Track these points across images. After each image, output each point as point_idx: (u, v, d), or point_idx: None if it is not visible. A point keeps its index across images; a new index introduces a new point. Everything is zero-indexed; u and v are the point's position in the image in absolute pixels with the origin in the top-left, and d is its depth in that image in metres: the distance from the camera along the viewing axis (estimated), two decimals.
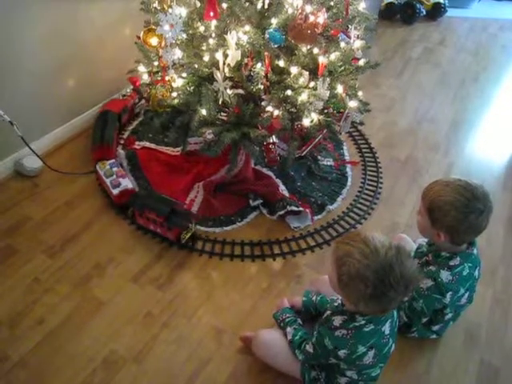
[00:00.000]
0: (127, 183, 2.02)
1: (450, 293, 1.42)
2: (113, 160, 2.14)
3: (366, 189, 2.21)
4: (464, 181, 1.35)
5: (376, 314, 1.18)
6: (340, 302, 1.31)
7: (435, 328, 1.55)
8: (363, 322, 1.18)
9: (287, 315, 1.48)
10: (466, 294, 1.47)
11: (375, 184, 2.24)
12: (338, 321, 1.22)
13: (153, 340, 1.56)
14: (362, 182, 2.24)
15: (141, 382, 1.46)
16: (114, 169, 2.08)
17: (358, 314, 1.19)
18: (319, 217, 2.04)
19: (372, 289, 1.09)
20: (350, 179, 2.25)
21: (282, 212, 1.95)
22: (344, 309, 1.25)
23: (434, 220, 1.38)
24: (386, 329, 1.22)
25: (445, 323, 1.54)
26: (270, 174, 2.15)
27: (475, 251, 1.46)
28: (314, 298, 1.53)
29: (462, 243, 1.42)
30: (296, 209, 1.95)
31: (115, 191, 1.99)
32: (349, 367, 1.25)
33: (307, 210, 1.97)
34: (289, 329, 1.42)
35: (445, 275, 1.41)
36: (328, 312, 1.29)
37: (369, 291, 1.09)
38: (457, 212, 1.32)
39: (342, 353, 1.20)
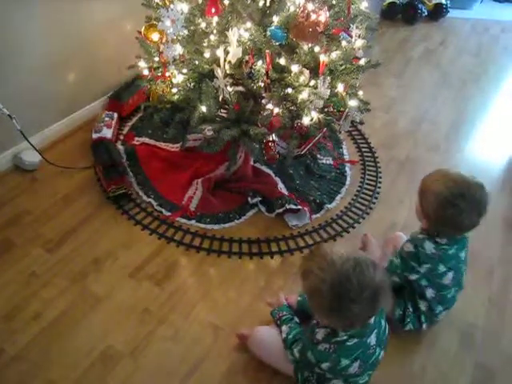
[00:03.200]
0: (107, 133, 2.25)
1: (428, 265, 1.43)
2: (112, 112, 2.37)
3: (365, 188, 2.21)
4: (461, 176, 1.36)
5: (351, 329, 1.16)
6: None
7: (423, 307, 1.53)
8: (345, 337, 1.17)
9: (284, 313, 1.48)
10: (450, 274, 1.46)
11: (374, 183, 2.24)
12: (320, 334, 1.21)
13: (149, 336, 1.56)
14: (360, 182, 2.24)
15: (137, 377, 1.46)
16: (106, 119, 2.31)
17: (341, 329, 1.17)
18: (318, 215, 2.04)
19: (329, 302, 1.07)
20: (348, 178, 2.26)
21: (280, 210, 1.95)
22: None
23: (421, 204, 1.43)
24: (372, 340, 1.20)
25: (430, 304, 1.52)
26: (269, 171, 2.15)
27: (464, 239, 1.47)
28: None
29: (444, 236, 1.42)
30: (294, 207, 1.95)
31: (94, 135, 2.24)
32: (334, 376, 1.25)
33: (306, 209, 1.97)
34: (284, 327, 1.43)
35: (428, 246, 1.42)
36: (313, 321, 1.28)
37: (326, 305, 1.09)
38: (437, 204, 1.35)
39: (325, 365, 1.20)
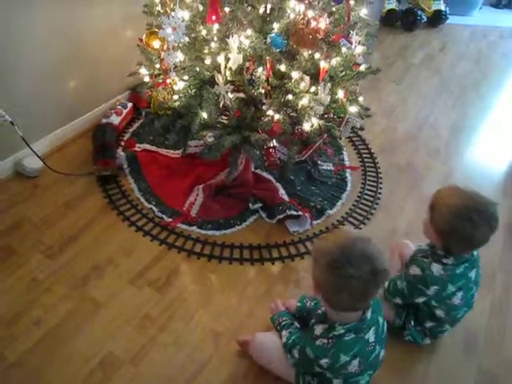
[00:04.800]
0: (115, 119, 2.34)
1: (436, 287, 1.42)
2: (126, 102, 2.47)
3: (366, 194, 2.21)
4: (474, 193, 1.35)
5: (349, 311, 1.17)
6: (323, 310, 1.29)
7: (428, 325, 1.52)
8: (342, 331, 1.18)
9: (284, 318, 1.48)
10: (459, 294, 1.45)
11: (375, 189, 2.24)
12: (318, 330, 1.22)
13: (150, 342, 1.56)
14: (361, 187, 2.25)
15: None
16: (118, 107, 2.41)
17: (338, 323, 1.18)
18: (318, 221, 2.04)
19: (328, 262, 1.10)
20: (349, 184, 2.26)
21: (281, 216, 1.96)
22: (326, 317, 1.24)
23: (432, 219, 1.41)
24: (371, 336, 1.21)
25: (438, 323, 1.52)
26: (270, 177, 2.15)
27: (475, 253, 1.46)
28: (308, 304, 1.54)
29: (454, 252, 1.41)
30: (295, 213, 1.95)
31: (102, 120, 2.34)
32: (334, 375, 1.24)
33: (306, 215, 1.97)
34: (284, 332, 1.43)
35: (436, 268, 1.41)
36: (312, 320, 1.29)
37: (326, 265, 1.11)
38: (451, 216, 1.33)
39: (323, 362, 1.20)
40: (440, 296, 1.44)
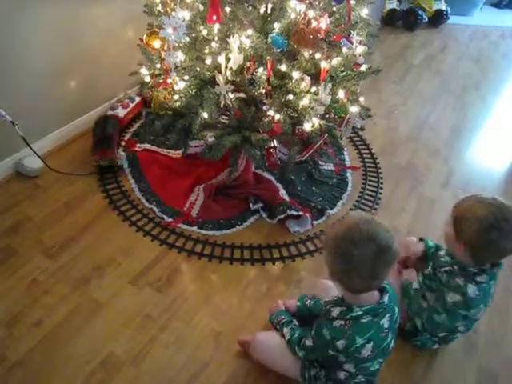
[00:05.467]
0: (120, 112, 2.38)
1: (474, 310, 1.41)
2: (134, 96, 2.51)
3: (366, 194, 2.21)
4: (499, 201, 1.34)
5: (365, 291, 1.18)
6: (340, 295, 1.30)
7: (441, 335, 1.52)
8: (360, 312, 1.19)
9: (282, 317, 1.49)
10: (483, 310, 1.45)
11: (375, 189, 2.24)
12: (336, 311, 1.24)
13: (151, 342, 1.56)
14: (362, 188, 2.25)
15: None
16: (126, 100, 2.46)
17: (356, 305, 1.20)
18: (319, 221, 2.04)
19: (336, 245, 1.14)
20: (350, 184, 2.26)
21: (282, 216, 1.96)
22: (343, 300, 1.25)
23: (458, 231, 1.38)
24: (385, 322, 1.22)
25: (452, 334, 1.52)
26: (271, 177, 2.15)
27: (498, 271, 1.44)
28: (308, 303, 1.54)
29: (482, 263, 1.39)
30: (296, 213, 1.95)
31: (108, 112, 2.39)
32: (347, 360, 1.25)
33: (307, 215, 1.97)
34: (285, 329, 1.43)
35: (472, 290, 1.39)
36: (328, 306, 1.30)
37: (334, 247, 1.15)
38: (481, 227, 1.31)
39: (340, 343, 1.20)
40: (473, 317, 1.44)
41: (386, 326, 1.22)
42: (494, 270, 1.42)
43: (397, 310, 1.27)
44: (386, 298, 1.21)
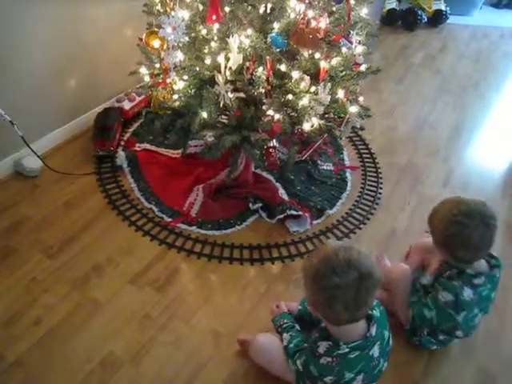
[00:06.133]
0: (125, 105, 2.43)
1: (465, 312, 1.41)
2: (141, 91, 2.45)
3: (366, 194, 2.21)
4: (461, 198, 1.37)
5: (349, 323, 1.14)
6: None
7: (441, 337, 1.52)
8: (347, 349, 1.16)
9: (285, 321, 1.48)
10: (480, 315, 1.46)
11: (375, 189, 2.24)
12: (322, 347, 1.20)
13: (150, 342, 1.56)
14: (361, 187, 2.25)
15: None
16: (133, 94, 2.49)
17: (342, 342, 1.16)
18: (318, 221, 2.04)
19: (314, 275, 1.11)
20: (349, 184, 2.26)
21: (281, 216, 1.96)
22: (329, 332, 1.22)
23: (433, 237, 1.42)
24: (375, 352, 1.20)
25: (451, 336, 1.52)
26: (270, 177, 2.15)
27: (498, 274, 1.45)
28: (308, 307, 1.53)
29: (464, 260, 1.40)
30: (295, 213, 1.95)
31: (115, 104, 2.45)
32: None
33: (306, 214, 1.97)
34: (285, 335, 1.42)
35: (467, 293, 1.40)
36: (316, 334, 1.27)
37: (312, 280, 1.12)
38: (443, 226, 1.35)
39: (328, 379, 1.19)
40: (466, 320, 1.44)
41: (376, 355, 1.20)
42: (492, 272, 1.42)
43: (386, 333, 1.25)
44: (373, 330, 1.18)
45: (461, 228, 1.32)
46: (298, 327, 1.46)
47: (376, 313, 1.22)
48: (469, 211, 1.33)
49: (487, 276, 1.41)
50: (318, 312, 1.17)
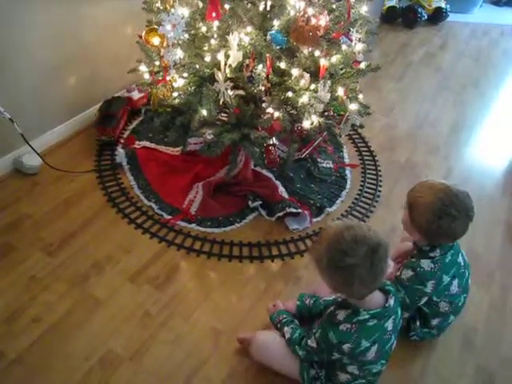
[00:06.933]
0: (134, 95, 2.50)
1: (432, 281, 1.43)
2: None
3: (365, 191, 2.21)
4: (447, 185, 1.38)
5: (370, 293, 1.18)
6: (343, 297, 1.30)
7: (434, 322, 1.53)
8: (367, 316, 1.19)
9: (283, 316, 1.49)
10: (455, 282, 1.47)
11: (374, 187, 2.24)
12: (341, 315, 1.23)
13: (150, 340, 1.56)
14: (361, 185, 2.25)
15: (137, 381, 1.45)
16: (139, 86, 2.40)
17: (362, 309, 1.20)
18: (318, 219, 2.04)
19: (327, 261, 1.13)
20: (349, 182, 2.26)
21: (280, 213, 1.96)
22: (349, 302, 1.25)
23: (412, 218, 1.43)
24: (389, 325, 1.23)
25: (443, 317, 1.53)
26: (270, 175, 2.15)
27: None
28: (307, 302, 1.54)
29: (435, 247, 1.44)
30: (295, 210, 1.95)
31: (125, 94, 2.51)
32: (351, 362, 1.26)
33: (306, 212, 1.97)
34: (286, 328, 1.43)
35: (426, 263, 1.43)
36: (332, 307, 1.29)
37: (326, 264, 1.14)
38: (431, 215, 1.36)
39: (346, 347, 1.21)
40: (438, 289, 1.45)
41: (389, 328, 1.23)
42: (446, 243, 1.45)
43: (400, 311, 1.28)
44: (391, 302, 1.22)
45: (451, 220, 1.34)
46: (296, 321, 1.47)
47: (392, 288, 1.26)
48: (459, 204, 1.34)
49: (442, 247, 1.43)
50: (341, 293, 1.22)
